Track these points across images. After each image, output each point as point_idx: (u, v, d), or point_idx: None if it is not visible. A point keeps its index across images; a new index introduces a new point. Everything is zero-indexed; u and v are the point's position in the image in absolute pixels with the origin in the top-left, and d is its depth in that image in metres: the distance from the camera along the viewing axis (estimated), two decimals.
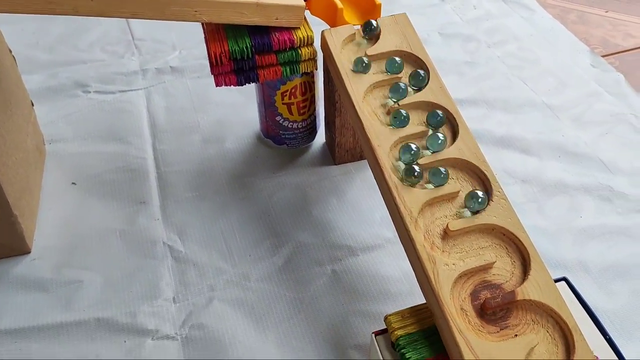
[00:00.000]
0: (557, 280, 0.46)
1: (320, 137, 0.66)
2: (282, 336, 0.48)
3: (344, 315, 0.50)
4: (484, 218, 0.43)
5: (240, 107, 0.69)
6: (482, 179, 0.46)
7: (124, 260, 0.54)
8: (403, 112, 0.48)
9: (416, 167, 0.44)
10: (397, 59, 0.52)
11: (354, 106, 0.49)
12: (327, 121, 0.62)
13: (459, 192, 0.45)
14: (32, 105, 0.59)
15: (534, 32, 0.80)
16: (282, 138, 0.63)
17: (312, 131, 0.63)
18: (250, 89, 0.63)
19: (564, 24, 0.82)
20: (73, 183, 0.60)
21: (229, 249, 0.55)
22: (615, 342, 0.43)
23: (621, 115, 0.68)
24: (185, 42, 0.78)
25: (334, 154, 0.63)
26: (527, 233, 0.43)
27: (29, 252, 0.54)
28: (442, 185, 0.45)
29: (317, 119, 0.63)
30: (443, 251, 0.42)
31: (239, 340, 0.48)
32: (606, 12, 0.85)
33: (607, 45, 0.79)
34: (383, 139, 0.47)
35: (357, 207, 0.58)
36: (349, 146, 0.61)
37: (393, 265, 0.53)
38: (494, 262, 0.42)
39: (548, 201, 0.59)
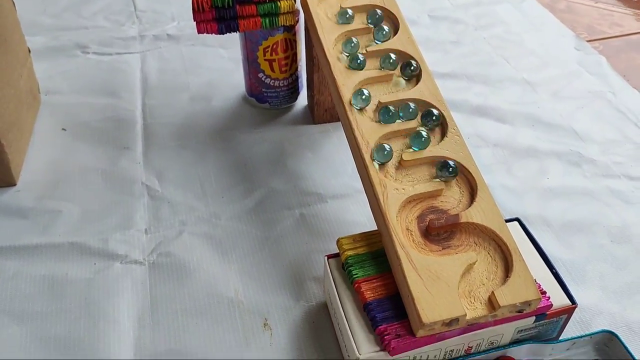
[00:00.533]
0: (509, 221, 0.47)
1: (303, 100, 0.68)
2: (245, 267, 0.50)
3: (306, 253, 0.52)
4: (437, 151, 0.45)
5: (229, 72, 0.72)
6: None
7: (102, 195, 0.56)
8: (360, 56, 0.50)
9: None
10: (379, 11, 0.54)
11: (324, 51, 0.51)
12: (307, 80, 0.64)
13: (415, 128, 0.47)
14: (29, 52, 0.63)
15: (522, 18, 0.83)
16: (264, 96, 0.65)
17: (294, 92, 0.66)
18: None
19: (552, 13, 0.84)
20: (63, 129, 0.63)
21: (204, 191, 0.57)
22: (568, 286, 0.44)
23: (599, 93, 0.70)
24: (184, 14, 0.82)
25: (313, 114, 0.65)
26: (476, 166, 0.45)
27: (14, 185, 0.57)
28: (392, 123, 0.47)
29: (299, 81, 0.66)
30: (395, 179, 0.44)
31: (203, 268, 0.50)
32: (596, 2, 0.87)
33: (593, 31, 0.81)
34: (347, 79, 0.49)
35: (331, 161, 0.61)
36: (327, 105, 0.64)
37: (359, 212, 0.55)
38: (442, 190, 0.44)
39: (517, 163, 0.60)
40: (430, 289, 0.38)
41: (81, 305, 0.47)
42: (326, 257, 0.45)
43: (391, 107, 0.47)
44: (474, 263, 0.40)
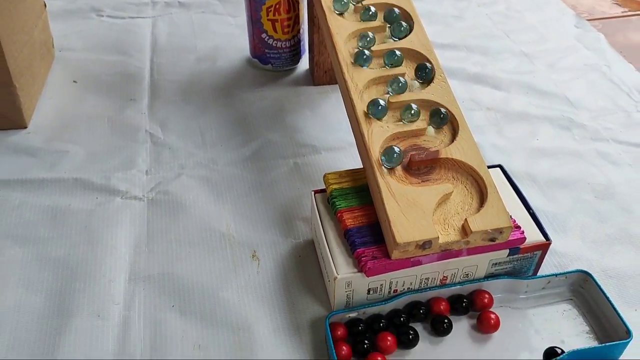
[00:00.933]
0: (492, 167, 0.49)
1: (305, 65, 0.70)
2: (238, 207, 0.53)
3: (297, 197, 0.54)
4: (423, 94, 0.47)
5: (236, 37, 0.75)
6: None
7: (107, 140, 0.59)
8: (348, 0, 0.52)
9: (366, 52, 0.49)
10: None
11: (320, 2, 0.54)
12: (308, 42, 0.67)
13: (404, 74, 0.49)
14: (45, 6, 0.66)
15: None
16: (267, 57, 0.68)
17: (295, 54, 0.68)
18: None
19: None
20: (74, 81, 0.66)
21: (204, 140, 0.60)
22: (549, 234, 0.45)
23: (595, 66, 0.71)
24: None
25: (313, 75, 0.67)
26: (460, 109, 0.46)
27: (25, 127, 0.60)
28: (394, 66, 0.49)
29: (301, 44, 0.68)
30: (382, 120, 0.46)
31: (199, 206, 0.52)
32: None
33: (594, 12, 0.82)
34: (342, 30, 0.52)
35: (328, 118, 0.63)
36: (327, 67, 0.66)
37: (351, 163, 0.57)
38: (425, 129, 0.45)
39: (508, 125, 0.62)
40: (406, 214, 0.40)
41: (81, 232, 0.50)
42: (313, 192, 0.47)
43: (397, 52, 0.49)
44: (450, 193, 0.42)
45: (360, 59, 0.49)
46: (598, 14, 0.82)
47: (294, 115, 0.63)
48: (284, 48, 0.67)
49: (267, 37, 0.66)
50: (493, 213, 0.41)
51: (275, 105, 0.64)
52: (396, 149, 0.43)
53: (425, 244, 0.39)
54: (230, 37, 0.75)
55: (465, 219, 0.40)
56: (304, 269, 0.47)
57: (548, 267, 0.48)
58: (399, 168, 0.43)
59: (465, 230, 0.40)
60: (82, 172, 0.55)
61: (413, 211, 0.40)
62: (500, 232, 0.40)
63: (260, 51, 0.67)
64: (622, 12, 0.81)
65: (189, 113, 0.63)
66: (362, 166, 0.46)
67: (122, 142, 0.59)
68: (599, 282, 0.44)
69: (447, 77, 0.50)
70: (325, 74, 0.67)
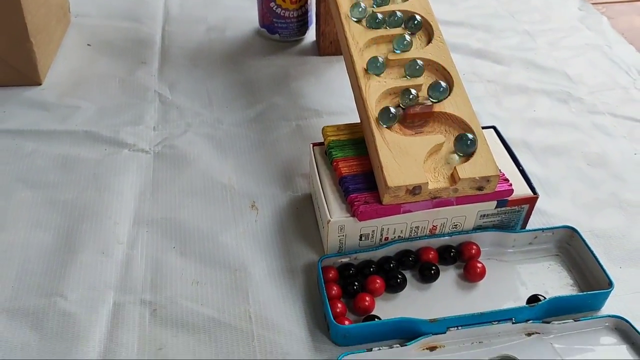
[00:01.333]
0: (486, 128, 0.50)
1: (311, 37, 0.72)
2: (240, 162, 0.55)
3: (298, 155, 0.56)
4: (421, 53, 0.49)
5: (245, 9, 0.77)
6: (426, 27, 0.51)
7: (118, 98, 0.61)
8: None
9: (362, 4, 0.51)
10: None
11: None
12: (316, 12, 0.68)
13: (402, 35, 0.50)
14: None
15: None
16: (275, 27, 0.70)
17: (303, 25, 0.70)
18: None
19: None
20: (88, 44, 0.69)
21: (210, 101, 0.62)
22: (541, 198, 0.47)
23: (596, 46, 0.72)
24: None
25: (319, 45, 0.69)
26: (456, 68, 0.48)
27: (40, 84, 0.62)
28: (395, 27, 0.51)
29: (308, 15, 0.70)
30: (380, 76, 0.48)
31: (203, 160, 0.55)
32: None
33: None
34: None
35: (331, 85, 0.65)
36: (333, 37, 0.68)
37: None
38: (421, 85, 0.47)
39: (507, 97, 0.64)
40: (398, 161, 0.42)
41: (89, 179, 0.52)
42: (312, 144, 0.49)
43: (379, 15, 0.51)
44: (442, 144, 0.44)
45: (355, 11, 0.51)
46: None
47: (299, 82, 0.65)
48: (291, 18, 0.69)
49: (276, 7, 0.68)
50: (481, 162, 0.42)
51: (281, 72, 0.66)
52: (392, 110, 0.44)
53: (415, 189, 0.41)
54: (240, 9, 0.77)
55: (455, 168, 0.42)
56: (300, 219, 0.49)
57: (536, 226, 0.49)
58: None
59: (454, 177, 0.42)
60: (92, 125, 0.58)
61: (405, 158, 0.42)
62: (488, 181, 0.42)
63: (269, 20, 0.69)
64: None
65: (197, 76, 0.65)
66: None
67: (131, 100, 0.61)
68: (585, 238, 0.46)
69: (450, 51, 0.52)
70: (331, 44, 0.68)
